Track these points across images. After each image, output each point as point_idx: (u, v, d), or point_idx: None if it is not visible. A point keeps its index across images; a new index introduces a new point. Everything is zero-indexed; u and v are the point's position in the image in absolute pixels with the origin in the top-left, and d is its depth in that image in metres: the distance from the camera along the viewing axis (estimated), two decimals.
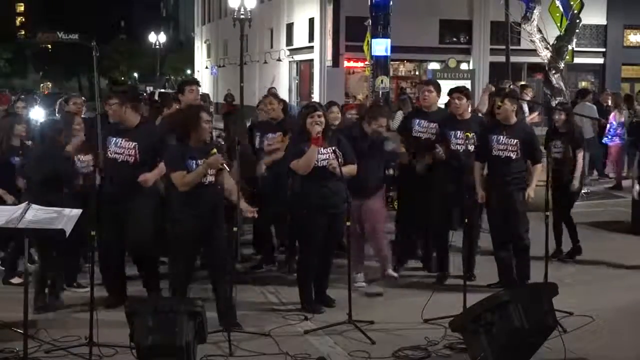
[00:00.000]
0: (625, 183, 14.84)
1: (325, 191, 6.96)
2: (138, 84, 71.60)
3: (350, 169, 7.11)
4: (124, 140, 6.98)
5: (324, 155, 6.97)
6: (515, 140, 7.55)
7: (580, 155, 8.99)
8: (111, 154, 6.98)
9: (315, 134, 6.88)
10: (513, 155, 7.56)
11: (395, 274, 7.87)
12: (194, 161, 6.40)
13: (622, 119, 14.94)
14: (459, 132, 7.87)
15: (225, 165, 6.42)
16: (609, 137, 14.94)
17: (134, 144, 6.97)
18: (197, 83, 8.51)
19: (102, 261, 7.17)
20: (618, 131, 14.88)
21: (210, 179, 6.45)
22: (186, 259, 6.59)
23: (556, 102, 15.35)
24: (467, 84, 18.21)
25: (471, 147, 7.55)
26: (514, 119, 7.69)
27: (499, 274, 7.89)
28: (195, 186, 6.37)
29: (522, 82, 20.01)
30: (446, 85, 15.81)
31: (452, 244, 8.22)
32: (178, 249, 6.56)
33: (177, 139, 6.65)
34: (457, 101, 7.99)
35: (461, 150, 7.80)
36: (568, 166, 8.90)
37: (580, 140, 9.20)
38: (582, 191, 10.03)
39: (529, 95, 12.92)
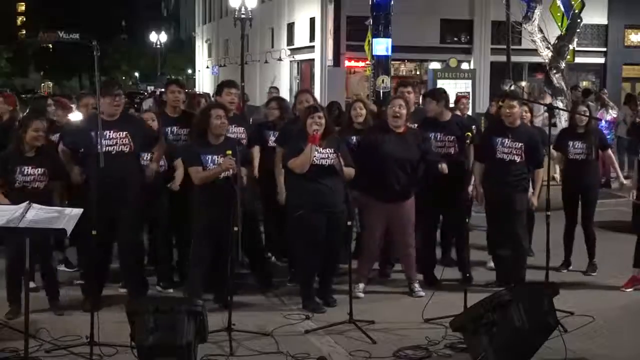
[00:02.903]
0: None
1: (322, 189, 6.96)
2: (139, 84, 71.72)
3: (350, 172, 7.06)
4: (112, 132, 6.88)
5: (322, 154, 6.98)
6: (520, 144, 7.54)
7: (612, 154, 8.51)
8: (102, 149, 6.69)
9: (312, 132, 6.89)
10: (517, 159, 7.56)
11: (422, 293, 7.55)
12: (210, 157, 6.84)
13: (609, 118, 14.97)
14: (439, 134, 7.89)
15: (235, 169, 6.63)
16: None
17: (124, 132, 6.94)
18: (235, 86, 8.07)
19: (88, 261, 7.16)
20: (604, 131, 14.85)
21: (227, 174, 6.77)
22: (206, 248, 6.94)
23: (559, 100, 15.35)
24: (468, 83, 18.26)
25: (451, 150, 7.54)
26: (519, 122, 7.68)
27: (496, 274, 7.91)
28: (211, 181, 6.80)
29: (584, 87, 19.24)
30: (447, 85, 15.82)
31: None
32: (197, 240, 6.98)
33: (196, 137, 7.09)
34: (428, 103, 8.05)
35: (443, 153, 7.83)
36: (592, 168, 8.46)
37: (606, 139, 8.67)
38: None
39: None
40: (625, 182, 8.57)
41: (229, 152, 6.67)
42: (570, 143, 8.50)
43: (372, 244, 7.58)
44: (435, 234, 8.24)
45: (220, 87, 8.02)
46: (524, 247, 7.75)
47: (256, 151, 7.97)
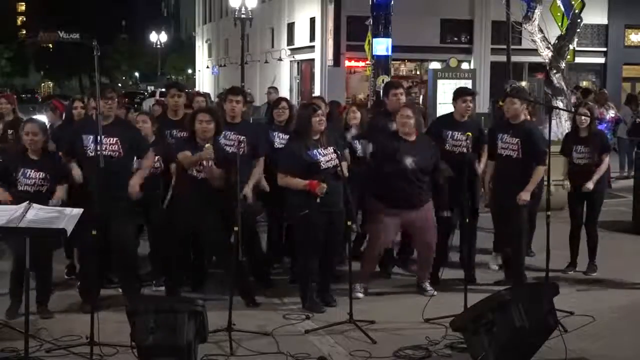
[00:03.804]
0: (623, 183, 14.90)
1: (325, 192, 6.93)
2: (139, 84, 71.80)
3: (344, 167, 7.08)
4: (103, 136, 6.73)
5: (326, 156, 6.98)
6: (517, 139, 7.55)
7: (606, 158, 8.41)
8: (91, 152, 6.76)
9: (320, 193, 6.83)
10: (514, 155, 7.57)
11: (435, 292, 7.49)
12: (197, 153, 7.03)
13: (608, 117, 14.95)
14: (456, 133, 7.82)
15: (211, 162, 6.85)
16: None
17: (115, 139, 6.95)
18: (238, 93, 7.86)
19: (82, 263, 7.18)
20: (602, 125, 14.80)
21: (204, 175, 6.98)
22: (177, 245, 7.19)
23: (559, 100, 15.33)
24: (468, 83, 18.26)
25: (464, 149, 7.53)
26: (520, 118, 7.68)
27: (505, 273, 7.90)
28: (189, 181, 6.99)
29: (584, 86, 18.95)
30: (447, 85, 15.86)
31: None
32: (171, 235, 7.16)
33: (187, 137, 7.25)
34: (470, 104, 7.90)
35: (457, 152, 7.74)
36: (592, 172, 8.29)
37: (607, 143, 8.59)
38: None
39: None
40: (589, 187, 8.29)
41: (208, 145, 6.82)
42: (574, 147, 8.44)
43: (379, 250, 7.54)
44: (446, 235, 8.20)
45: (225, 95, 7.96)
46: (522, 246, 7.73)
47: (260, 164, 7.69)
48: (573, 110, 9.87)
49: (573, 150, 8.46)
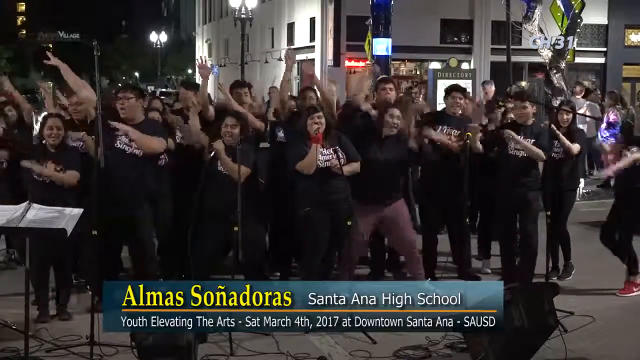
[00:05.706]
0: None
1: (327, 189, 6.96)
2: (139, 84, 71.75)
3: (354, 167, 7.11)
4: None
5: (325, 156, 6.98)
6: (532, 141, 7.57)
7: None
8: (120, 145, 6.88)
9: (314, 132, 6.91)
10: (519, 154, 7.60)
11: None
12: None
13: (613, 117, 14.95)
14: (446, 127, 7.84)
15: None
16: (603, 136, 14.30)
17: None
18: (246, 85, 8.27)
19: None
20: (614, 130, 14.74)
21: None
22: (204, 246, 6.99)
23: (559, 100, 15.31)
24: (468, 83, 18.28)
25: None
26: (531, 120, 7.71)
27: (503, 273, 7.91)
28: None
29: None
30: (448, 85, 15.83)
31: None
32: (199, 236, 6.96)
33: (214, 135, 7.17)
34: (458, 100, 8.00)
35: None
36: (569, 168, 8.27)
37: (580, 136, 8.44)
38: (583, 191, 9.56)
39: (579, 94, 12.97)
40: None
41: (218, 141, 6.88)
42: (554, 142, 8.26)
43: (357, 247, 7.41)
44: (436, 234, 8.20)
45: (231, 89, 8.05)
46: (533, 247, 7.72)
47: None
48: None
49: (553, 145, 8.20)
